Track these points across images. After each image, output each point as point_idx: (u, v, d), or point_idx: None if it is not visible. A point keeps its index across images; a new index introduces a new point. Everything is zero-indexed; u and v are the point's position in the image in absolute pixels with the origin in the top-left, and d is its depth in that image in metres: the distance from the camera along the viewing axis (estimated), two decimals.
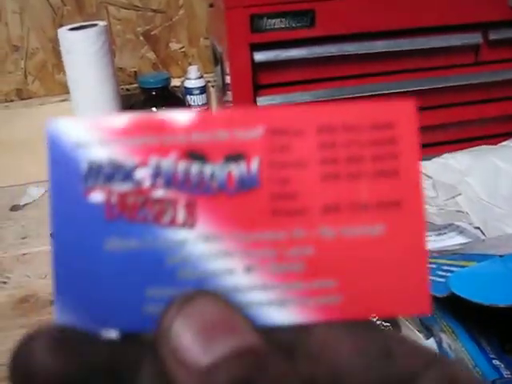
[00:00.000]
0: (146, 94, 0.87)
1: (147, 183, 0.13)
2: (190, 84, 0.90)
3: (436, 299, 0.41)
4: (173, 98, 0.91)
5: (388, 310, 0.13)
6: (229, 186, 0.13)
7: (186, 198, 0.13)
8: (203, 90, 0.91)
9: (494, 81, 0.72)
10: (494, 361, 0.44)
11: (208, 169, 0.13)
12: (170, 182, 0.13)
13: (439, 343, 0.45)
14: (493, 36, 0.68)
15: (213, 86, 0.93)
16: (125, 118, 0.13)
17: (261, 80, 0.65)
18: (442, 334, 0.48)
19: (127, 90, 0.91)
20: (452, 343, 0.44)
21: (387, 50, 0.66)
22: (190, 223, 0.13)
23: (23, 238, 0.67)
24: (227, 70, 0.64)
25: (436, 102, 0.72)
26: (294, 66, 0.65)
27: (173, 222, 0.13)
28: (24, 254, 0.63)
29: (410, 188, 0.13)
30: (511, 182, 0.59)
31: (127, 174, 0.13)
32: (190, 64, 0.93)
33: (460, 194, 0.59)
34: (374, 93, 0.68)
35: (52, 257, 0.13)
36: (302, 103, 0.64)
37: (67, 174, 0.13)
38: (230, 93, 0.65)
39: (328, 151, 0.13)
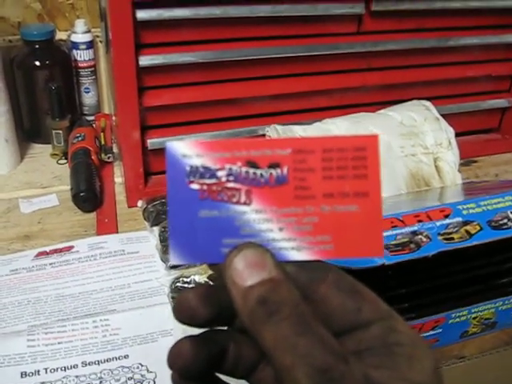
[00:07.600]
0: (29, 47, 0.81)
1: (224, 179, 0.23)
2: (76, 38, 0.84)
3: None
4: (57, 52, 0.84)
5: (360, 253, 0.23)
6: (270, 181, 0.23)
7: (246, 188, 0.23)
8: (90, 45, 0.85)
9: (375, 50, 0.74)
10: None
11: (259, 171, 0.23)
12: (237, 178, 0.23)
13: None
14: (375, 7, 0.70)
15: (101, 42, 0.86)
16: (212, 142, 0.22)
17: (144, 39, 0.64)
18: None
19: (9, 41, 0.85)
20: None
21: (271, 14, 0.66)
22: (248, 202, 0.23)
23: None
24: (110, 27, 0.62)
25: (319, 68, 0.74)
26: (178, 26, 0.64)
27: (238, 201, 0.23)
28: None
29: (373, 185, 0.23)
30: (382, 147, 0.66)
31: (212, 174, 0.22)
32: (78, 17, 0.88)
33: None
34: (256, 57, 0.69)
35: (168, 220, 0.23)
36: (190, 65, 0.66)
37: (178, 172, 0.22)
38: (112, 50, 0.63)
39: (327, 163, 0.23)
